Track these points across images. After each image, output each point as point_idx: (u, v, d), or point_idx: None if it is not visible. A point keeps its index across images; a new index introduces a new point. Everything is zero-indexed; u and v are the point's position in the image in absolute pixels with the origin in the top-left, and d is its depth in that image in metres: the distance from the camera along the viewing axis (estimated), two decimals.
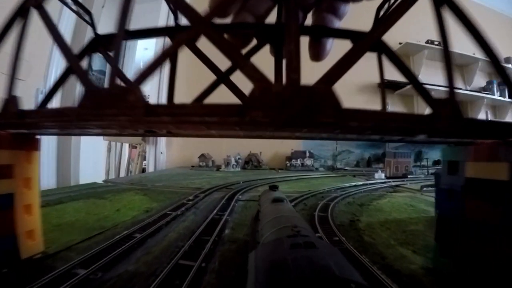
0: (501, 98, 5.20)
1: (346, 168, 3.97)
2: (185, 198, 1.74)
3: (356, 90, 4.37)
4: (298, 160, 3.90)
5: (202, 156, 4.19)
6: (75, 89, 2.73)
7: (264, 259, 0.37)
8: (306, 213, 1.46)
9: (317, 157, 4.02)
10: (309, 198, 1.83)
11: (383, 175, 2.96)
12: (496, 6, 6.09)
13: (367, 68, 4.72)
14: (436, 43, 4.74)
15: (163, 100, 4.07)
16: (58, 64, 2.99)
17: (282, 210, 0.73)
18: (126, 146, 5.46)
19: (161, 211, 1.46)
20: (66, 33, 3.05)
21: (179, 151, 4.78)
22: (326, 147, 4.15)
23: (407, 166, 3.15)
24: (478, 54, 5.22)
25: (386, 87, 4.69)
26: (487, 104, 5.25)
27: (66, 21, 3.05)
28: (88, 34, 1.30)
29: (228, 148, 4.04)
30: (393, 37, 5.02)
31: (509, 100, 5.29)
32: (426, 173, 3.41)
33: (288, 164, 3.90)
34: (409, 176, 2.99)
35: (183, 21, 0.60)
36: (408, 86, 4.62)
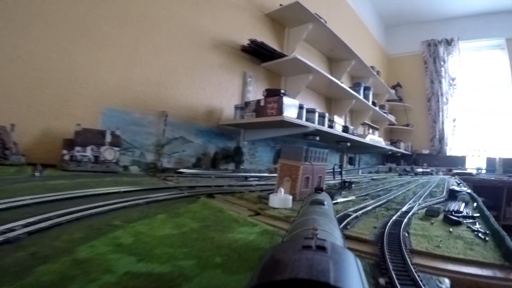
0: (365, 101, 4.96)
1: (182, 170, 2.24)
2: None
3: (212, 46, 2.73)
4: (88, 149, 1.87)
5: None
6: None
7: (271, 255, 0.34)
8: None
9: (127, 146, 2.12)
10: None
11: (290, 200, 1.29)
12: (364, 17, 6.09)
13: (234, 21, 2.85)
14: (323, 20, 3.79)
15: None
16: None
17: (315, 212, 0.65)
18: None
19: None
20: None
21: None
22: (146, 128, 2.25)
23: (321, 177, 1.59)
24: (357, 51, 4.78)
25: (252, 53, 3.00)
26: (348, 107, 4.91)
27: None
28: None
29: None
30: None
31: (371, 106, 5.18)
32: (344, 187, 1.95)
33: (67, 157, 1.80)
34: (337, 198, 1.43)
35: None
36: (281, 59, 3.37)
